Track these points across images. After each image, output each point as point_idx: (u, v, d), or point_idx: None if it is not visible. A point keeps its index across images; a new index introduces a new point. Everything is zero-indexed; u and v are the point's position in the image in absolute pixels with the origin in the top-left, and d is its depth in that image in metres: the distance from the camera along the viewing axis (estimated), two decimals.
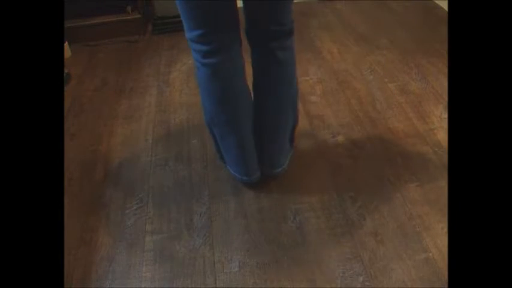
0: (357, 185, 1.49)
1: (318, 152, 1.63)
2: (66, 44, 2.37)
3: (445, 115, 1.77)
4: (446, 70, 2.04)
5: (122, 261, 1.29)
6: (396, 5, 2.75)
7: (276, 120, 1.40)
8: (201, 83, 1.30)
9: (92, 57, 2.38)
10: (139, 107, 1.95)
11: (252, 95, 1.37)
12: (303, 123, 1.75)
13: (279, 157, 1.49)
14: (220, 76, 1.25)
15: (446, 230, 1.31)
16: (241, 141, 1.36)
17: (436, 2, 2.73)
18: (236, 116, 1.32)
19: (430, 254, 1.25)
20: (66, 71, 2.19)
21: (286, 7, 1.24)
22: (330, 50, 2.30)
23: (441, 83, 1.97)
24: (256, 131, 1.40)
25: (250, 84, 1.35)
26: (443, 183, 1.47)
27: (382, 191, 1.46)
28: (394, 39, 2.35)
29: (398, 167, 1.55)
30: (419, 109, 1.82)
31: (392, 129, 1.72)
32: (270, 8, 1.21)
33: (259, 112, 1.38)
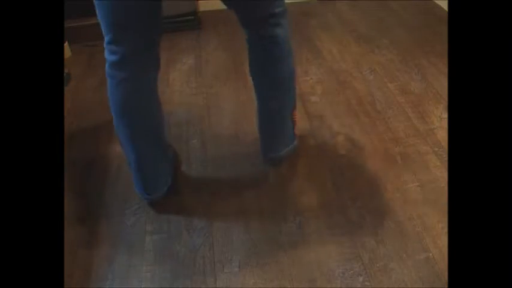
0: (357, 185, 1.49)
1: (318, 152, 1.63)
2: (66, 44, 2.37)
3: (445, 115, 1.77)
4: (446, 70, 2.04)
5: (122, 261, 1.29)
6: (396, 5, 2.75)
7: (272, 104, 1.42)
8: (108, 90, 1.27)
9: (92, 57, 2.38)
10: None
11: (251, 78, 1.40)
12: (303, 123, 1.75)
13: (278, 140, 1.49)
14: (121, 91, 1.24)
15: (446, 230, 1.31)
16: (138, 159, 1.34)
17: (436, 2, 2.73)
18: (133, 134, 1.30)
19: (430, 254, 1.25)
20: (66, 71, 2.19)
21: None
22: (330, 50, 2.29)
23: (441, 83, 1.97)
24: (257, 113, 1.43)
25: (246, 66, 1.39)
26: (443, 183, 1.47)
27: (382, 191, 1.46)
28: (394, 39, 2.35)
29: (398, 167, 1.55)
30: (419, 109, 1.82)
31: (392, 129, 1.72)
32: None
33: (257, 93, 1.42)
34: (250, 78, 1.44)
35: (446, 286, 1.17)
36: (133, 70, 1.23)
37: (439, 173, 1.51)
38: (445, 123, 1.73)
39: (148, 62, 1.26)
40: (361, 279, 1.20)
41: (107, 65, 1.22)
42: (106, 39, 1.18)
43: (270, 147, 1.50)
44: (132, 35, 1.17)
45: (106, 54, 1.21)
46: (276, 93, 1.41)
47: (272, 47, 1.32)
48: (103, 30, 1.17)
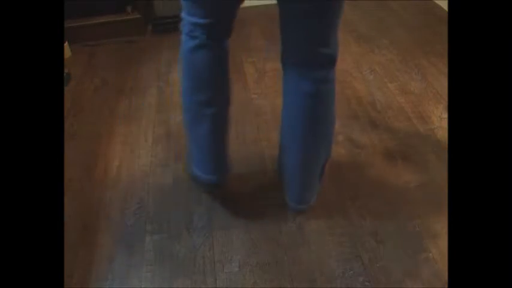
0: (357, 185, 1.49)
1: None
2: (66, 44, 2.37)
3: (445, 115, 1.77)
4: (446, 70, 2.04)
5: (122, 261, 1.29)
6: (396, 5, 2.75)
7: (307, 158, 1.27)
8: (185, 54, 1.20)
9: (92, 57, 2.38)
10: (139, 107, 1.95)
11: (281, 131, 1.29)
12: None
13: (304, 193, 1.36)
14: (206, 50, 1.17)
15: (446, 230, 1.31)
16: (212, 135, 1.25)
17: (436, 2, 2.73)
18: (208, 105, 1.22)
19: (430, 254, 1.25)
20: (66, 71, 2.19)
21: (329, 24, 1.08)
22: None
23: (441, 83, 1.97)
24: (282, 165, 1.32)
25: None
26: (443, 183, 1.47)
27: (382, 191, 1.46)
28: (394, 39, 2.35)
29: (398, 167, 1.55)
30: (419, 109, 1.82)
31: (392, 129, 1.72)
32: (308, 25, 1.04)
33: (287, 149, 1.29)
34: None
35: (446, 286, 1.17)
36: (221, 43, 1.18)
37: (439, 173, 1.51)
38: (445, 123, 1.73)
39: (227, 30, 1.20)
40: (361, 279, 1.20)
41: (192, 29, 1.15)
42: (197, 20, 1.13)
43: (302, 198, 1.36)
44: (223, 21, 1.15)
45: (193, 27, 1.14)
46: (319, 145, 1.25)
47: (316, 106, 1.16)
48: (190, 11, 1.13)
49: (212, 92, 1.23)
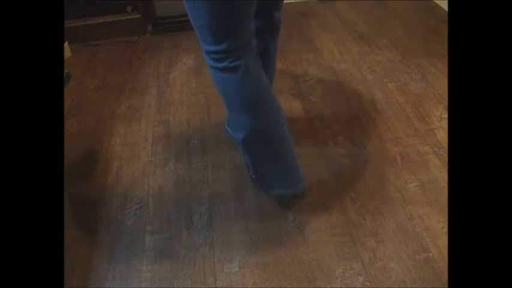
0: (357, 185, 1.49)
1: (318, 152, 1.63)
2: (66, 44, 2.37)
3: (445, 115, 1.77)
4: (446, 70, 2.04)
5: (122, 261, 1.29)
6: (396, 5, 2.75)
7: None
8: (231, 89, 1.20)
9: (92, 57, 2.38)
10: (139, 107, 1.95)
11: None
12: (303, 123, 1.75)
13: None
14: (252, 75, 1.18)
15: (446, 230, 1.31)
16: (284, 150, 1.28)
17: (436, 2, 2.73)
18: (271, 125, 1.24)
19: (430, 254, 1.25)
20: (66, 71, 2.18)
21: None
22: (330, 50, 2.29)
23: (441, 83, 1.97)
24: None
25: None
26: (443, 183, 1.47)
27: (382, 191, 1.46)
28: (394, 39, 2.35)
29: (398, 167, 1.55)
30: (419, 109, 1.82)
31: (392, 129, 1.72)
32: None
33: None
34: None
35: (446, 286, 1.17)
36: (252, 55, 1.19)
37: (439, 173, 1.51)
38: (445, 123, 1.73)
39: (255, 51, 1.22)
40: (361, 279, 1.20)
41: (222, 62, 1.16)
42: (217, 47, 1.13)
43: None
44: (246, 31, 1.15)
45: (217, 55, 1.15)
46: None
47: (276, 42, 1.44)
48: (204, 36, 1.13)
49: (273, 114, 1.26)
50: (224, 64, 1.16)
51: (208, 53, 1.17)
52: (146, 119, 1.87)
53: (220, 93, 1.26)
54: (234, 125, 1.32)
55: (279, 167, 1.32)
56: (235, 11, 1.08)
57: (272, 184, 1.37)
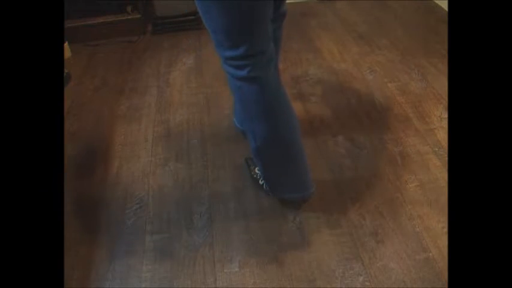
0: (357, 185, 1.49)
1: (318, 152, 1.63)
2: (66, 44, 2.37)
3: (445, 115, 1.77)
4: (446, 70, 2.04)
5: (122, 261, 1.29)
6: (396, 5, 2.75)
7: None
8: (249, 99, 1.18)
9: (92, 57, 2.38)
10: (139, 107, 1.95)
11: None
12: (303, 123, 1.75)
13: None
14: (271, 87, 1.17)
15: (446, 230, 1.31)
16: (296, 156, 1.29)
17: (436, 2, 2.73)
18: (286, 130, 1.24)
19: (430, 254, 1.25)
20: (66, 71, 2.19)
21: None
22: (330, 50, 2.29)
23: (441, 83, 1.97)
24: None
25: None
26: (443, 183, 1.47)
27: (382, 191, 1.46)
28: (394, 39, 2.35)
29: (398, 167, 1.55)
30: (419, 109, 1.82)
31: (392, 129, 1.72)
32: None
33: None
34: None
35: (446, 286, 1.17)
36: (271, 65, 1.16)
37: (439, 173, 1.51)
38: (445, 123, 1.73)
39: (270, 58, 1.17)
40: (361, 279, 1.20)
41: (240, 71, 1.13)
42: (236, 52, 1.09)
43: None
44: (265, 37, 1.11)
45: (236, 63, 1.12)
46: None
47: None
48: (220, 40, 1.09)
49: (288, 124, 1.26)
50: (244, 73, 1.12)
51: (226, 59, 1.13)
52: (146, 119, 1.87)
53: (237, 100, 1.25)
54: (247, 130, 1.30)
55: (293, 174, 1.34)
56: (253, 11, 1.04)
57: (284, 189, 1.39)
